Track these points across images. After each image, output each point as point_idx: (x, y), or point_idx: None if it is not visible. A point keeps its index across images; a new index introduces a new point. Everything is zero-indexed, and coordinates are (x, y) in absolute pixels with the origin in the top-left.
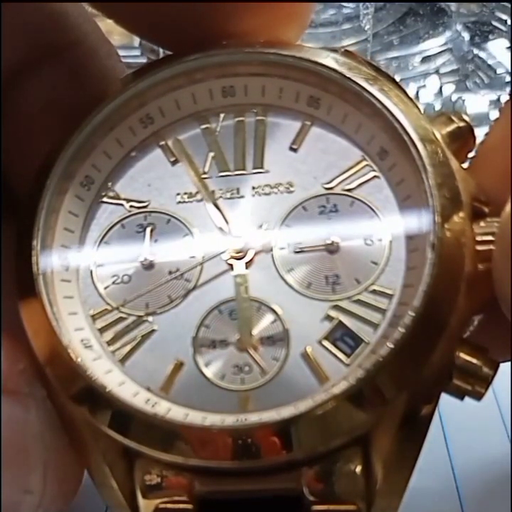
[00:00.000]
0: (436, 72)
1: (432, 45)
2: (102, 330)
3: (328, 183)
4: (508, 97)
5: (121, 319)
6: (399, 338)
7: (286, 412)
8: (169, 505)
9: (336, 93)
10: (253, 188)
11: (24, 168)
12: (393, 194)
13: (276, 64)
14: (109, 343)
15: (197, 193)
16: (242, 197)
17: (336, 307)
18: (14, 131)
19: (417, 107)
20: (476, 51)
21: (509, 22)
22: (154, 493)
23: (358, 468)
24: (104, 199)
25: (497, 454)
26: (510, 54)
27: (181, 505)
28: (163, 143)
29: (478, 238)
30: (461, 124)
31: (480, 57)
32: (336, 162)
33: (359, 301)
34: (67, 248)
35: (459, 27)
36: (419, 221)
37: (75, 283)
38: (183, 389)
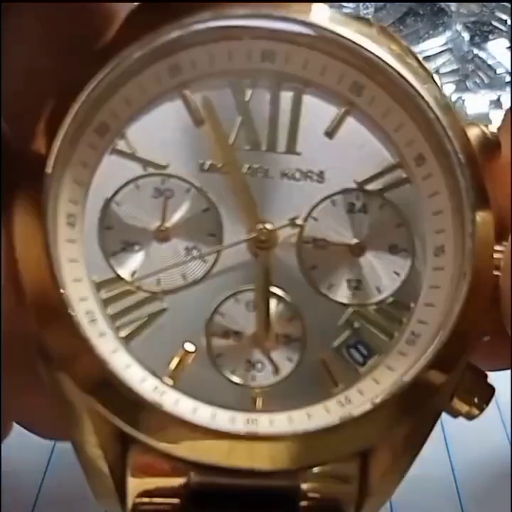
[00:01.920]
0: (436, 72)
1: (432, 45)
2: (106, 301)
3: (360, 179)
4: (508, 97)
5: (129, 293)
6: (424, 365)
7: (298, 420)
8: (157, 490)
9: (382, 84)
10: (283, 170)
11: (21, 111)
12: (424, 205)
13: (325, 39)
14: (114, 317)
15: (223, 164)
16: (270, 178)
17: (355, 313)
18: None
19: (456, 110)
20: (476, 51)
21: (509, 22)
22: (145, 475)
23: (355, 472)
24: (119, 150)
25: (497, 454)
26: (510, 54)
27: (168, 500)
28: (189, 98)
29: (495, 261)
30: (491, 136)
31: (480, 57)
32: (370, 158)
33: (378, 311)
34: (75, 204)
35: (459, 27)
36: (448, 241)
37: (80, 243)
38: (192, 378)
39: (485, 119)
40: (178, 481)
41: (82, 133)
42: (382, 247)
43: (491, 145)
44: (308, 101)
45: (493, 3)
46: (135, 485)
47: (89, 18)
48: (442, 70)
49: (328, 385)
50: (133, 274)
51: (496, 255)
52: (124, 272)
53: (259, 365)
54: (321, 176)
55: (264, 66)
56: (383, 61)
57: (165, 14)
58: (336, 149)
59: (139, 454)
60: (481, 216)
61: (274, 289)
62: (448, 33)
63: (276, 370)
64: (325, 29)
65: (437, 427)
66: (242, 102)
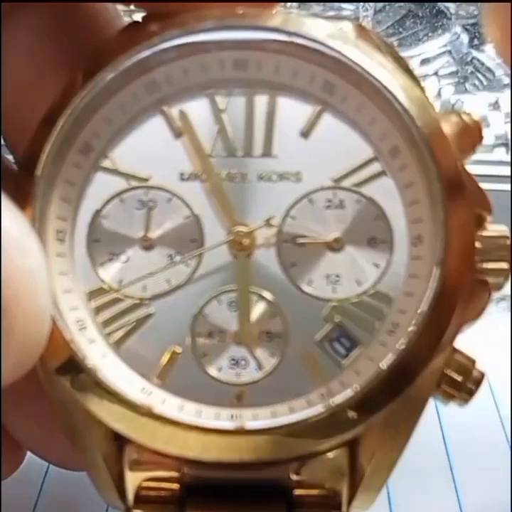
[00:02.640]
0: (435, 74)
1: (431, 47)
2: (97, 310)
3: (336, 176)
4: (507, 99)
5: (117, 300)
6: (401, 349)
7: (280, 414)
8: (154, 484)
9: (352, 82)
10: (260, 174)
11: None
12: (401, 197)
13: (294, 44)
14: (104, 325)
15: (202, 172)
16: (248, 182)
17: (336, 308)
18: None
19: (429, 100)
20: (474, 53)
21: None
22: (142, 470)
23: (344, 460)
24: (103, 168)
25: (496, 454)
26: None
27: (167, 485)
28: (167, 112)
29: (477, 247)
30: (470, 121)
31: (479, 59)
32: (346, 155)
33: (358, 304)
34: (63, 220)
35: (458, 29)
36: (426, 231)
37: (70, 257)
38: (179, 379)
39: (483, 121)
40: (174, 474)
41: (67, 153)
42: (360, 241)
43: (470, 129)
44: (283, 104)
45: None
46: (134, 478)
47: (79, 33)
48: (441, 72)
49: (310, 379)
50: (120, 282)
51: (477, 241)
52: (112, 281)
53: (243, 363)
54: (297, 176)
55: (237, 75)
56: (349, 59)
57: (136, 35)
58: (312, 149)
59: (135, 451)
60: (456, 204)
61: (255, 288)
62: (447, 35)
63: (259, 366)
64: (292, 33)
65: (437, 427)
66: (218, 111)
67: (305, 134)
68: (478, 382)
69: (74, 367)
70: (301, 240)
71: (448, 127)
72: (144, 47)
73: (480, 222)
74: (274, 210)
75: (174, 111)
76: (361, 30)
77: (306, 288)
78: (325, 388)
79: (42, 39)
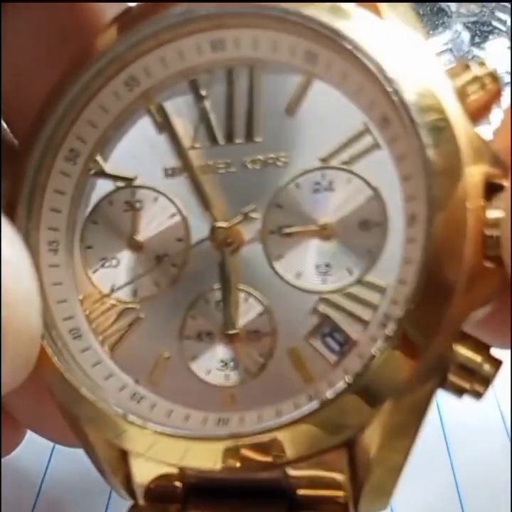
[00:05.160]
0: None
1: (432, 45)
2: (91, 317)
3: (325, 154)
4: (508, 97)
5: (110, 307)
6: (392, 341)
7: (267, 418)
8: (159, 483)
9: (333, 49)
10: (244, 161)
11: None
12: (396, 171)
13: (268, 16)
14: (99, 331)
15: (182, 167)
16: (233, 172)
17: (325, 300)
18: None
19: (429, 55)
20: (476, 51)
21: (509, 22)
22: (147, 468)
23: (343, 460)
24: (92, 173)
25: (497, 454)
26: (510, 54)
27: (170, 483)
28: (151, 106)
29: (489, 218)
30: (482, 72)
31: (480, 57)
32: (336, 128)
33: (349, 295)
34: (56, 230)
35: (458, 27)
36: (419, 209)
37: (64, 267)
38: (170, 383)
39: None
40: (176, 473)
41: (53, 162)
42: (352, 225)
43: (482, 82)
44: (266, 80)
45: (493, 3)
46: (140, 480)
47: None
48: None
49: (299, 379)
50: (112, 287)
51: (489, 212)
52: (105, 287)
53: (232, 364)
54: (282, 160)
55: (216, 56)
56: (326, 26)
57: (113, 31)
58: (297, 128)
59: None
60: (445, 178)
61: (241, 286)
62: (448, 33)
63: (247, 367)
64: (266, 6)
65: (437, 427)
66: (200, 98)
67: (291, 110)
68: (493, 371)
69: (63, 379)
70: (288, 230)
71: (452, 83)
72: (118, 42)
73: (495, 190)
74: (260, 199)
75: (157, 105)
76: None
77: (294, 281)
78: (313, 390)
79: (41, 26)
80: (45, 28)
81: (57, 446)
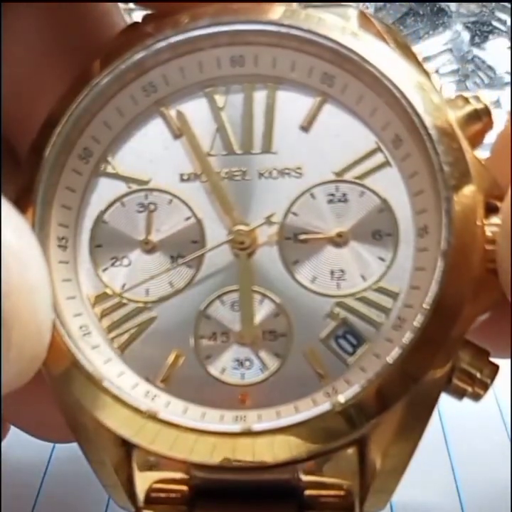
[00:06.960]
0: (436, 72)
1: (432, 45)
2: (101, 315)
3: (338, 169)
4: (508, 98)
5: (120, 305)
6: (407, 343)
7: (285, 414)
8: (164, 486)
9: (351, 72)
10: (260, 170)
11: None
12: (405, 187)
13: (289, 36)
14: (108, 329)
15: (201, 173)
16: (248, 180)
17: (340, 304)
18: None
19: (434, 86)
20: (476, 51)
21: (509, 22)
22: (151, 472)
23: (354, 459)
24: (104, 173)
25: (497, 454)
26: (510, 54)
27: (176, 486)
28: (166, 113)
29: (488, 235)
30: (479, 106)
31: (480, 58)
32: (348, 146)
33: (364, 299)
34: (65, 227)
35: (458, 27)
36: (431, 221)
37: (72, 264)
38: (183, 381)
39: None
40: (183, 476)
41: (66, 159)
42: (365, 235)
43: (479, 114)
44: (282, 98)
45: (493, 3)
46: (143, 481)
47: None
48: (442, 70)
49: (316, 378)
50: (123, 286)
51: (488, 229)
52: (115, 285)
53: (247, 363)
54: (298, 171)
55: (235, 71)
56: (347, 49)
57: (133, 37)
58: (312, 143)
59: (143, 454)
60: (460, 192)
61: (257, 288)
62: (448, 33)
63: (264, 366)
64: (287, 25)
65: (437, 428)
66: (217, 109)
67: (305, 127)
68: (492, 376)
69: (77, 373)
70: (304, 237)
71: (454, 113)
72: (139, 48)
73: (492, 210)
74: (276, 206)
75: (173, 112)
76: (363, 18)
77: (309, 285)
78: (331, 387)
79: (42, 29)
80: (45, 36)
81: (57, 446)
